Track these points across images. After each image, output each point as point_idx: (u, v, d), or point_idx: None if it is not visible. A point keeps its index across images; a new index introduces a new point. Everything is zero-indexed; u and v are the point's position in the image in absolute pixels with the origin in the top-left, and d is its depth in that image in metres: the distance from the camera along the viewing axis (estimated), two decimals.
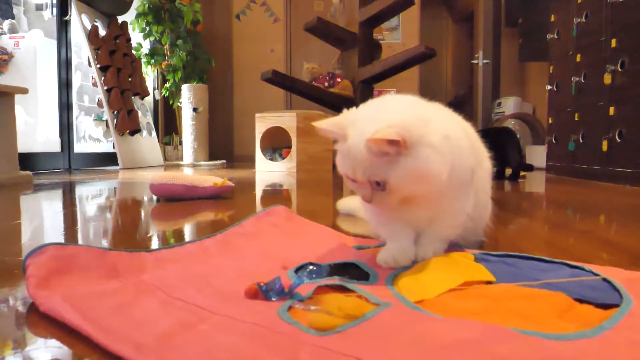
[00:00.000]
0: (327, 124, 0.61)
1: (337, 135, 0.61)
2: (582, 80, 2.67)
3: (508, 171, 2.52)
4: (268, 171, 3.24)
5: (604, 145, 2.38)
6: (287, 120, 3.21)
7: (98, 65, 3.49)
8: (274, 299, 0.51)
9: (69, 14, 3.45)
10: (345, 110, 0.64)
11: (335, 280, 0.57)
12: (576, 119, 2.74)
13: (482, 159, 0.75)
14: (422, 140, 0.56)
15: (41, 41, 3.31)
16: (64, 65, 3.46)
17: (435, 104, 0.68)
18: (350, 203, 1.21)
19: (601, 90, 2.43)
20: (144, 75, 4.24)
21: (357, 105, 0.65)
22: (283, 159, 3.30)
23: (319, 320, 0.44)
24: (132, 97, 3.87)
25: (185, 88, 4.34)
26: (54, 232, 1.06)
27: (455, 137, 0.62)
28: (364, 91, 3.45)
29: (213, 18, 5.25)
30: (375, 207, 0.64)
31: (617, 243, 0.90)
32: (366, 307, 0.48)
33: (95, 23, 3.60)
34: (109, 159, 3.90)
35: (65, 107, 3.46)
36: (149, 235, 1.00)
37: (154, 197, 1.63)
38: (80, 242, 0.91)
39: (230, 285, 0.57)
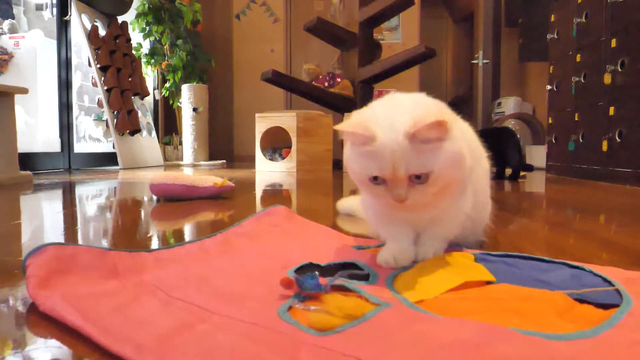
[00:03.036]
0: (350, 125, 0.57)
1: (363, 136, 0.57)
2: (582, 80, 2.67)
3: (508, 171, 2.52)
4: (268, 171, 3.24)
5: (604, 145, 2.38)
6: (287, 120, 3.21)
7: (98, 65, 3.49)
8: (307, 291, 0.51)
9: (69, 14, 3.45)
10: (355, 112, 0.62)
11: (336, 280, 0.57)
12: (576, 119, 2.74)
13: (480, 159, 0.75)
14: (452, 125, 0.58)
15: (41, 41, 3.31)
16: (64, 65, 3.46)
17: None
18: (350, 203, 1.21)
19: (601, 90, 2.43)
20: (144, 75, 4.24)
21: (357, 105, 0.64)
22: (283, 159, 3.29)
23: (319, 320, 0.44)
24: (132, 97, 3.87)
25: (185, 88, 4.33)
26: (54, 232, 1.06)
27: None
28: (364, 91, 3.44)
29: (213, 18, 5.25)
30: (405, 207, 0.60)
31: (617, 243, 0.90)
32: (366, 307, 0.48)
33: (95, 23, 3.60)
34: (109, 159, 3.90)
35: (65, 107, 3.46)
36: (149, 235, 1.00)
37: (154, 197, 1.63)
38: (80, 242, 0.91)
39: (230, 285, 0.57)
